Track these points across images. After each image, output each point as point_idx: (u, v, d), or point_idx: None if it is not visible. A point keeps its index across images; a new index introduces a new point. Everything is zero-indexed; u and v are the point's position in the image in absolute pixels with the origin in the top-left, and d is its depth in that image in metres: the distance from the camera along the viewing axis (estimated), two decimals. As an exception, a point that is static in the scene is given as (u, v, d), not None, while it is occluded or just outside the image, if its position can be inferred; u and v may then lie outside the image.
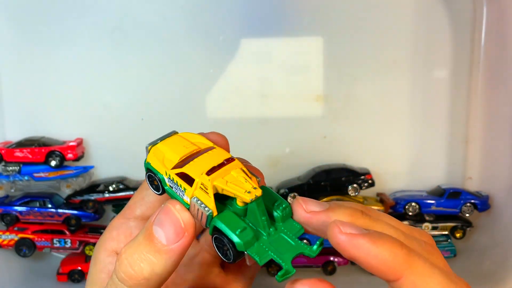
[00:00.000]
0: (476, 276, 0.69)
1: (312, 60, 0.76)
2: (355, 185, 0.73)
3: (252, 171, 0.27)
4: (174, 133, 0.29)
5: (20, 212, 0.72)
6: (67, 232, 0.74)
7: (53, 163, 0.73)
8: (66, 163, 0.73)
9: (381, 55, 0.76)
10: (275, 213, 0.25)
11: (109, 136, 0.77)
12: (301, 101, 0.77)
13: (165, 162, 0.26)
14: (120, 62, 0.75)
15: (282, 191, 0.74)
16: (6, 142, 0.74)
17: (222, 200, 0.26)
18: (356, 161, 0.77)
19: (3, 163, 0.73)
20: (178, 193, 0.25)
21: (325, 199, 0.74)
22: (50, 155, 0.72)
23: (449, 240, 0.75)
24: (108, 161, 0.77)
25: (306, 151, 0.78)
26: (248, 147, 0.78)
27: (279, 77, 0.77)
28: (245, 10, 0.75)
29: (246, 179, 0.25)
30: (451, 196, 0.74)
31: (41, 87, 0.75)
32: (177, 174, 0.25)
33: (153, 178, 0.27)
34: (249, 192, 0.24)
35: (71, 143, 0.73)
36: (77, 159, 0.73)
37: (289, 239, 0.25)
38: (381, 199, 0.76)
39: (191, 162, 0.25)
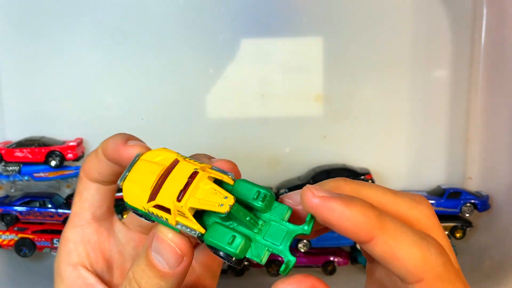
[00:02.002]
0: (476, 276, 0.69)
1: (312, 60, 0.76)
2: (355, 185, 0.73)
3: (222, 167, 0.27)
4: (139, 157, 0.27)
5: (20, 212, 0.73)
6: (67, 232, 0.73)
7: (53, 163, 0.73)
8: (66, 163, 0.73)
9: (381, 55, 0.76)
10: (257, 204, 0.25)
11: (109, 136, 0.76)
12: (301, 101, 0.77)
13: (139, 196, 0.26)
14: (120, 62, 0.75)
15: (282, 191, 0.74)
16: (6, 142, 0.74)
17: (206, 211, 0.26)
18: (356, 161, 0.77)
19: (3, 163, 0.73)
20: (164, 222, 0.25)
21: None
22: (50, 155, 0.72)
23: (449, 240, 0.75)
24: (108, 161, 0.77)
25: (306, 151, 0.78)
26: (248, 147, 0.78)
27: (279, 77, 0.77)
28: (245, 10, 0.75)
29: (215, 190, 0.24)
30: (451, 196, 0.74)
31: (41, 87, 0.75)
32: (154, 207, 0.25)
33: (137, 213, 0.27)
34: (221, 205, 0.24)
35: (71, 143, 0.73)
36: (77, 159, 0.73)
37: (280, 226, 0.25)
38: (381, 199, 0.76)
39: (161, 190, 0.25)
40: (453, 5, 0.75)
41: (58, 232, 0.74)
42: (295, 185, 0.74)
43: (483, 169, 0.77)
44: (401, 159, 0.79)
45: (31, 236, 0.73)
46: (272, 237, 0.24)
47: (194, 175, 0.25)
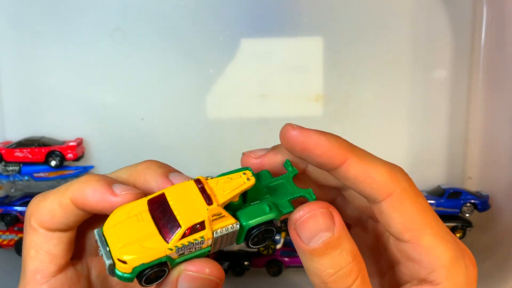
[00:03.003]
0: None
1: (312, 60, 0.76)
2: (355, 185, 0.73)
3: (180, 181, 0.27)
4: (101, 232, 0.24)
5: (20, 212, 0.72)
6: (67, 232, 0.73)
7: (53, 163, 0.73)
8: (66, 163, 0.73)
9: (381, 55, 0.76)
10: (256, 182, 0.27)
11: (109, 136, 0.77)
12: (301, 101, 0.77)
13: (151, 246, 0.23)
14: (120, 62, 0.75)
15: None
16: (6, 142, 0.74)
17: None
18: (356, 161, 0.77)
19: (3, 163, 0.73)
20: (194, 249, 0.24)
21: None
22: (50, 155, 0.72)
23: (449, 240, 0.75)
24: (108, 161, 0.77)
25: (306, 151, 0.78)
26: (248, 147, 0.77)
27: (279, 77, 0.77)
28: (245, 10, 0.75)
29: (229, 178, 0.25)
30: (451, 196, 0.74)
31: (41, 87, 0.75)
32: (183, 237, 0.23)
33: (148, 274, 0.23)
34: (248, 179, 0.25)
35: (71, 143, 0.73)
36: (77, 159, 0.73)
37: (276, 182, 0.28)
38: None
39: (178, 216, 0.23)
40: (453, 5, 0.75)
41: (58, 232, 0.74)
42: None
43: (483, 169, 0.77)
44: (401, 159, 0.79)
45: (31, 236, 0.72)
46: (282, 191, 0.27)
47: (198, 182, 0.25)
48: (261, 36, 0.76)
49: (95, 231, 0.24)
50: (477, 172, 0.77)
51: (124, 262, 0.22)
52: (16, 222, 0.73)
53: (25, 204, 0.73)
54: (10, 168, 0.73)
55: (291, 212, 0.25)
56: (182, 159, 0.78)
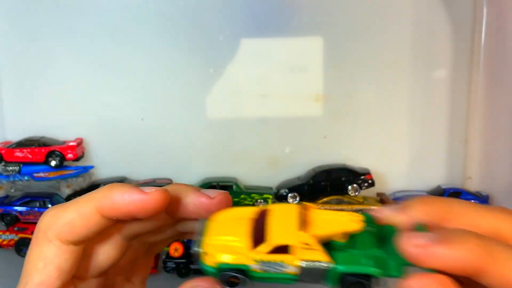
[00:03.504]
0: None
1: (312, 60, 0.76)
2: (355, 185, 0.73)
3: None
4: (204, 223, 0.25)
5: (20, 212, 0.72)
6: (67, 232, 0.73)
7: (53, 163, 0.72)
8: (66, 163, 0.73)
9: (381, 55, 0.76)
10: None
11: (109, 136, 0.77)
12: (301, 101, 0.77)
13: (237, 249, 0.23)
14: (120, 62, 0.75)
15: (282, 191, 0.74)
16: (6, 142, 0.74)
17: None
18: (356, 161, 0.77)
19: (3, 163, 0.73)
20: (276, 270, 0.23)
21: (325, 199, 0.74)
22: (50, 155, 0.72)
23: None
24: (108, 161, 0.77)
25: (306, 151, 0.78)
26: (248, 147, 0.78)
27: (279, 77, 0.77)
28: (245, 10, 0.75)
29: (336, 215, 0.24)
30: (451, 196, 0.74)
31: (41, 87, 0.75)
32: (268, 253, 0.23)
33: (228, 276, 0.23)
34: (354, 223, 0.23)
35: (71, 143, 0.73)
36: (77, 159, 0.73)
37: (392, 232, 0.24)
38: (381, 199, 0.76)
39: (269, 232, 0.23)
40: (453, 5, 0.75)
41: (58, 232, 0.74)
42: (295, 185, 0.74)
43: (483, 169, 0.77)
44: (401, 159, 0.79)
45: (31, 236, 0.72)
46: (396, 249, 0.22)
47: (303, 207, 0.24)
48: (261, 36, 0.76)
49: (201, 219, 0.25)
50: (477, 172, 0.77)
51: (210, 256, 0.23)
52: (16, 222, 0.73)
53: (25, 204, 0.73)
54: (10, 168, 0.73)
55: (397, 277, 0.22)
56: (182, 159, 0.78)
